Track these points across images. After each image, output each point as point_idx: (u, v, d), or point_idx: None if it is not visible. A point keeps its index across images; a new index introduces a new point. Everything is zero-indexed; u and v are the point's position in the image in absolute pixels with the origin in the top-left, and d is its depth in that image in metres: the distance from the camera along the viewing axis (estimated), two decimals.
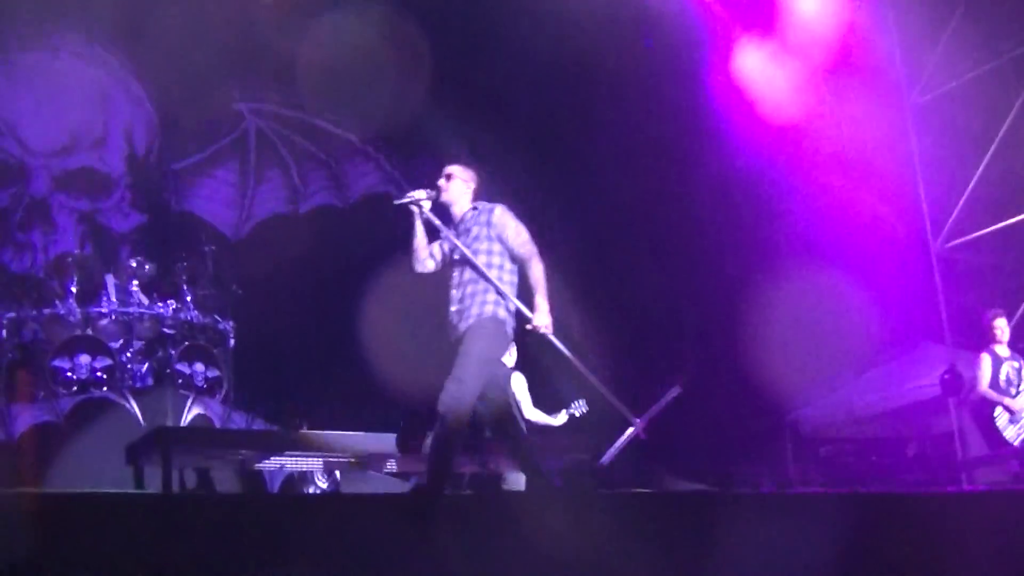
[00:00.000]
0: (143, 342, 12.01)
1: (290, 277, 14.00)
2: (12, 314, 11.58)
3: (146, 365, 11.86)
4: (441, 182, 7.84)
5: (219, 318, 12.41)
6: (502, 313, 7.57)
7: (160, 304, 11.98)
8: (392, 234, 14.91)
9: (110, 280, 12.16)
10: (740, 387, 12.73)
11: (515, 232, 7.68)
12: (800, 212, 13.62)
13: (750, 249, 14.01)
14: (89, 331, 11.58)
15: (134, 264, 12.10)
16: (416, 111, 15.24)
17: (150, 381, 11.72)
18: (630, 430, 8.34)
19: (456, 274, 7.71)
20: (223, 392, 11.90)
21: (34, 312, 11.66)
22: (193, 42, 13.97)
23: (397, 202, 7.90)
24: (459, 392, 7.24)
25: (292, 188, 15.23)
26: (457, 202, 7.86)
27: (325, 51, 14.84)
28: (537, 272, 7.61)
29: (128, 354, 11.72)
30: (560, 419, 10.98)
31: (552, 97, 15.23)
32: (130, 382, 11.50)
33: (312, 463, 10.01)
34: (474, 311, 7.52)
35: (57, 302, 11.68)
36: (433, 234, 7.85)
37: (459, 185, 7.85)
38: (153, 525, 5.37)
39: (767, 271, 13.86)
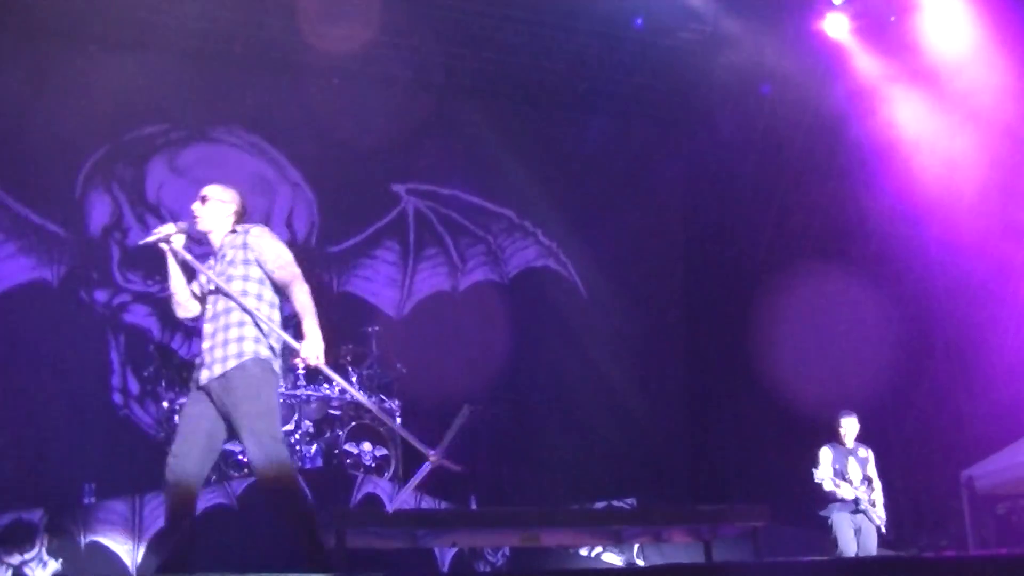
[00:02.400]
0: (311, 423, 12.11)
1: (453, 353, 14.07)
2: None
3: (315, 446, 11.94)
4: (195, 206, 7.03)
5: (384, 397, 12.46)
6: (264, 351, 6.76)
7: (327, 385, 12.07)
8: (550, 307, 15.11)
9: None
10: (915, 445, 12.37)
11: (274, 254, 6.91)
12: (968, 281, 13.24)
13: (913, 313, 13.70)
14: None
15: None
16: (569, 184, 15.37)
17: (320, 462, 11.80)
18: (426, 464, 7.92)
19: (210, 306, 6.91)
20: (391, 470, 11.93)
21: None
22: (347, 126, 14.22)
23: (141, 242, 7.15)
24: (272, 452, 6.49)
25: (451, 265, 15.31)
26: (216, 228, 7.05)
27: (478, 129, 15.04)
28: (302, 297, 6.82)
29: (297, 436, 11.81)
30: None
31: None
32: (300, 463, 11.58)
33: (482, 540, 9.97)
34: (231, 350, 6.70)
35: None
36: (192, 271, 7.05)
37: (216, 208, 7.02)
38: None
39: (930, 331, 13.55)
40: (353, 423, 11.95)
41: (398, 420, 12.41)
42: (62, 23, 13.29)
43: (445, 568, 11.01)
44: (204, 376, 6.78)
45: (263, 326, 6.76)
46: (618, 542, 10.32)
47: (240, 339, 6.73)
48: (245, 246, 6.90)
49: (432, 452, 7.82)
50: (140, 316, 13.73)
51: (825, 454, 11.37)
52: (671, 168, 16.34)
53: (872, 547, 11.21)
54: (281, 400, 11.83)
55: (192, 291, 7.08)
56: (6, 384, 12.61)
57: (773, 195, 14.81)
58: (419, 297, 15.09)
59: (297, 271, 6.91)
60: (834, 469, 11.30)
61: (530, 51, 14.72)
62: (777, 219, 14.82)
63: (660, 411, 15.46)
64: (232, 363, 6.67)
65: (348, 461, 11.66)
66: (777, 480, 12.76)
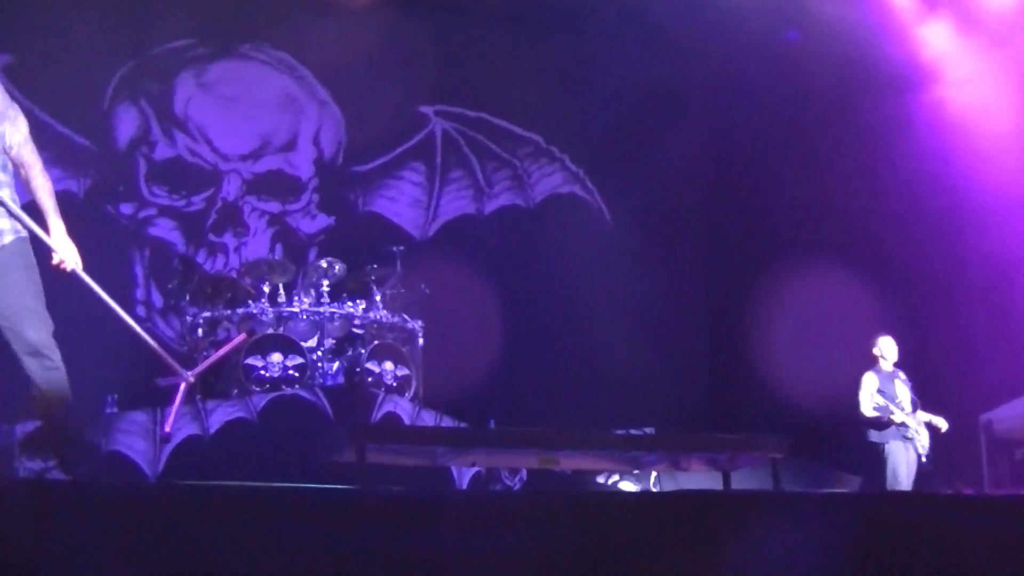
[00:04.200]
0: (334, 341, 12.12)
1: (477, 276, 14.05)
2: (207, 314, 11.78)
3: (337, 364, 11.95)
4: None
5: (408, 317, 12.44)
6: (22, 230, 6.17)
7: (350, 304, 12.08)
8: (576, 234, 15.07)
9: (301, 280, 12.34)
10: (932, 386, 12.34)
11: (16, 125, 6.12)
12: (995, 223, 13.16)
13: (937, 254, 13.63)
14: (281, 330, 11.74)
15: (324, 264, 12.18)
16: (601, 112, 15.27)
17: (341, 379, 11.81)
18: (183, 386, 7.87)
19: None
20: (412, 390, 11.93)
21: (228, 312, 11.83)
22: (377, 46, 14.12)
23: None
24: (50, 329, 6.13)
25: (477, 189, 15.28)
26: None
27: (506, 54, 14.94)
28: (46, 186, 6.21)
29: (319, 353, 11.81)
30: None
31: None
32: (321, 380, 11.60)
33: (501, 460, 10.00)
34: (3, 223, 6.08)
35: (250, 302, 11.84)
36: None
37: None
38: (345, 519, 5.35)
39: (952, 273, 13.49)
40: (376, 342, 11.94)
41: (420, 341, 12.42)
42: None
43: (463, 487, 11.05)
44: None
45: (9, 204, 6.10)
46: (636, 468, 10.32)
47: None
48: None
49: (188, 373, 7.86)
50: (165, 230, 13.75)
51: (869, 379, 11.25)
52: (699, 98, 16.23)
53: (910, 481, 11.05)
54: (304, 317, 11.87)
55: None
56: None
57: (802, 125, 14.68)
58: (444, 219, 15.09)
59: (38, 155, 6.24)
60: (882, 394, 11.18)
61: None
62: (806, 152, 14.70)
63: (681, 340, 15.45)
64: (9, 237, 6.16)
65: (369, 379, 11.63)
66: (798, 413, 12.76)
